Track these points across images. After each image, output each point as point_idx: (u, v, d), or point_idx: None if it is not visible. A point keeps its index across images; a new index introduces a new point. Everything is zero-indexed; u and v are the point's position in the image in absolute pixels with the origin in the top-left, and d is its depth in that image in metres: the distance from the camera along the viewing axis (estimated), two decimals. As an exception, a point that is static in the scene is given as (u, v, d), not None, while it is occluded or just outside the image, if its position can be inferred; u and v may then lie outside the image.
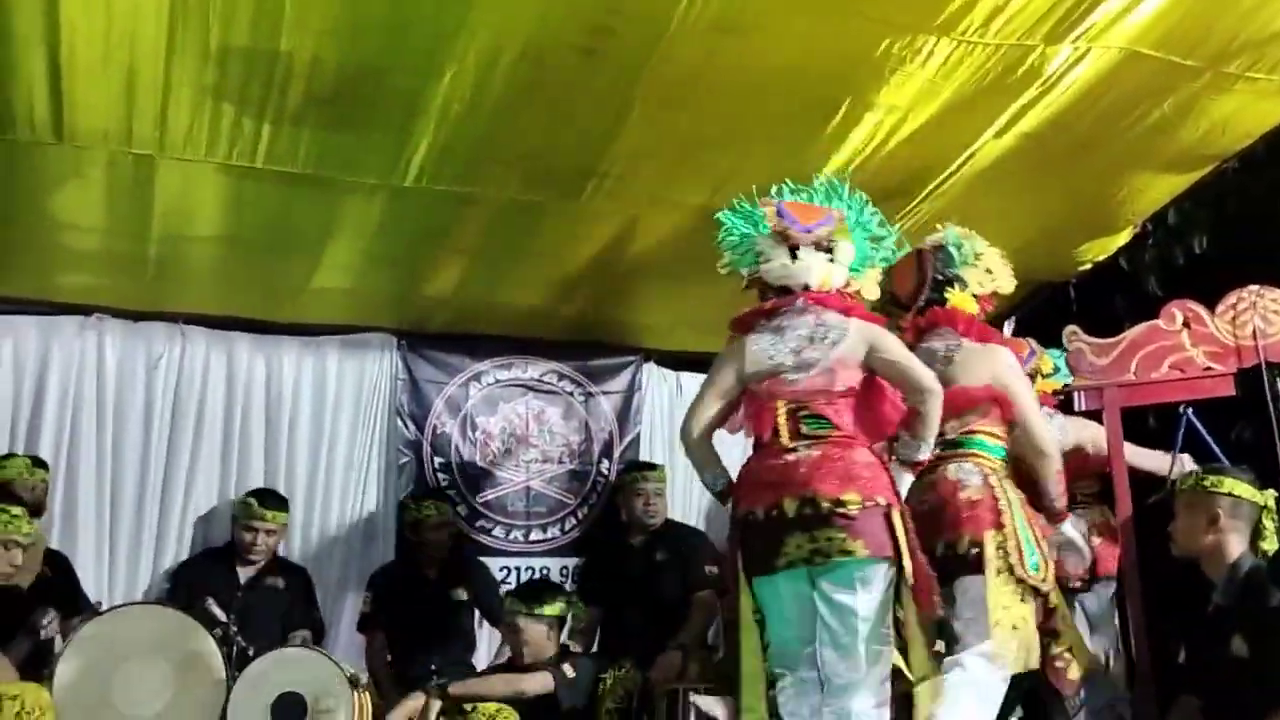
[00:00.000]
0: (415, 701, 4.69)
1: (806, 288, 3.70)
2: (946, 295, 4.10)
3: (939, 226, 4.34)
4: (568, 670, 4.53)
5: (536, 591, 4.88)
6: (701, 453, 3.79)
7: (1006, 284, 4.24)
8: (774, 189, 3.90)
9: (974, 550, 3.74)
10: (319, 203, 4.70)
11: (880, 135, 4.39)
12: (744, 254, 3.86)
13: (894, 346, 3.67)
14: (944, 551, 3.77)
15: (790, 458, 3.54)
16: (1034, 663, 3.77)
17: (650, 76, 3.99)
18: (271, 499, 5.42)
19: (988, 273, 4.19)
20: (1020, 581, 3.74)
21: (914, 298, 4.14)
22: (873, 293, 3.95)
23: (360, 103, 4.06)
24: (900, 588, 3.51)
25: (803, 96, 4.17)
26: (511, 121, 4.19)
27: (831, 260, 3.73)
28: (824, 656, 3.51)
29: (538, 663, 4.65)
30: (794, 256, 3.72)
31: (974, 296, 4.13)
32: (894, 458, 3.68)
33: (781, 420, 3.61)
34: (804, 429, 3.57)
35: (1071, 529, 4.14)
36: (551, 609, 4.73)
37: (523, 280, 5.58)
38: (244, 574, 5.33)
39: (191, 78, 3.89)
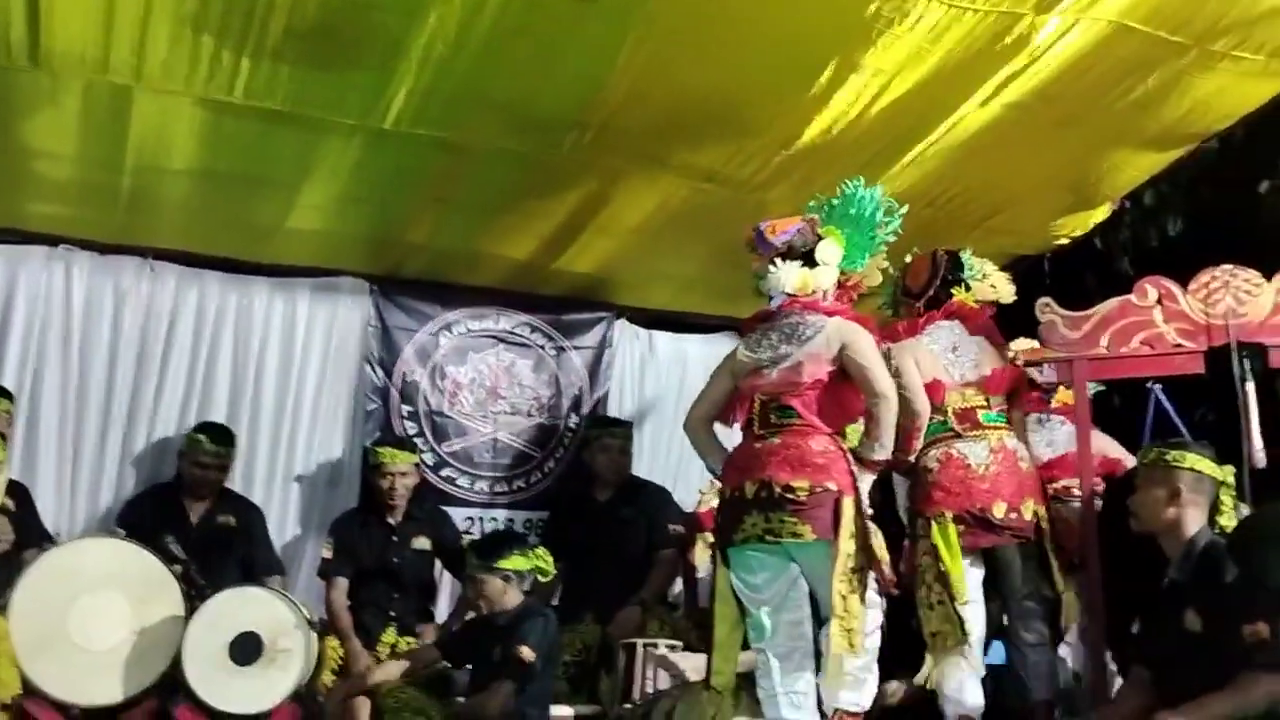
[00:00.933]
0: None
1: (789, 295, 3.95)
2: (953, 293, 4.47)
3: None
4: (526, 655, 4.41)
5: (494, 545, 4.79)
6: (699, 440, 4.13)
7: (1007, 297, 4.64)
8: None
9: (1034, 520, 4.24)
10: (296, 141, 4.65)
11: (865, 98, 4.38)
12: (757, 283, 4.13)
13: (865, 349, 3.88)
14: (1005, 515, 4.19)
15: (758, 445, 3.87)
16: None
17: (639, 26, 3.97)
18: (217, 432, 5.39)
19: (992, 287, 4.61)
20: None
21: (924, 290, 4.53)
22: (874, 279, 4.19)
23: (342, 40, 4.02)
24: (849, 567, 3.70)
25: (790, 54, 4.16)
26: (496, 66, 4.16)
27: (811, 264, 3.95)
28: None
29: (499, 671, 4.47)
30: (769, 270, 3.99)
31: (975, 301, 4.53)
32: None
33: (756, 411, 3.93)
34: (773, 418, 3.87)
35: None
36: (508, 562, 4.61)
37: (499, 230, 5.55)
38: (194, 512, 5.28)
39: (172, 7, 3.84)
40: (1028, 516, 4.22)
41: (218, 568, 4.96)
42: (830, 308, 3.95)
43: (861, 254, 4.04)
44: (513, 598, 4.64)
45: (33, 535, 4.88)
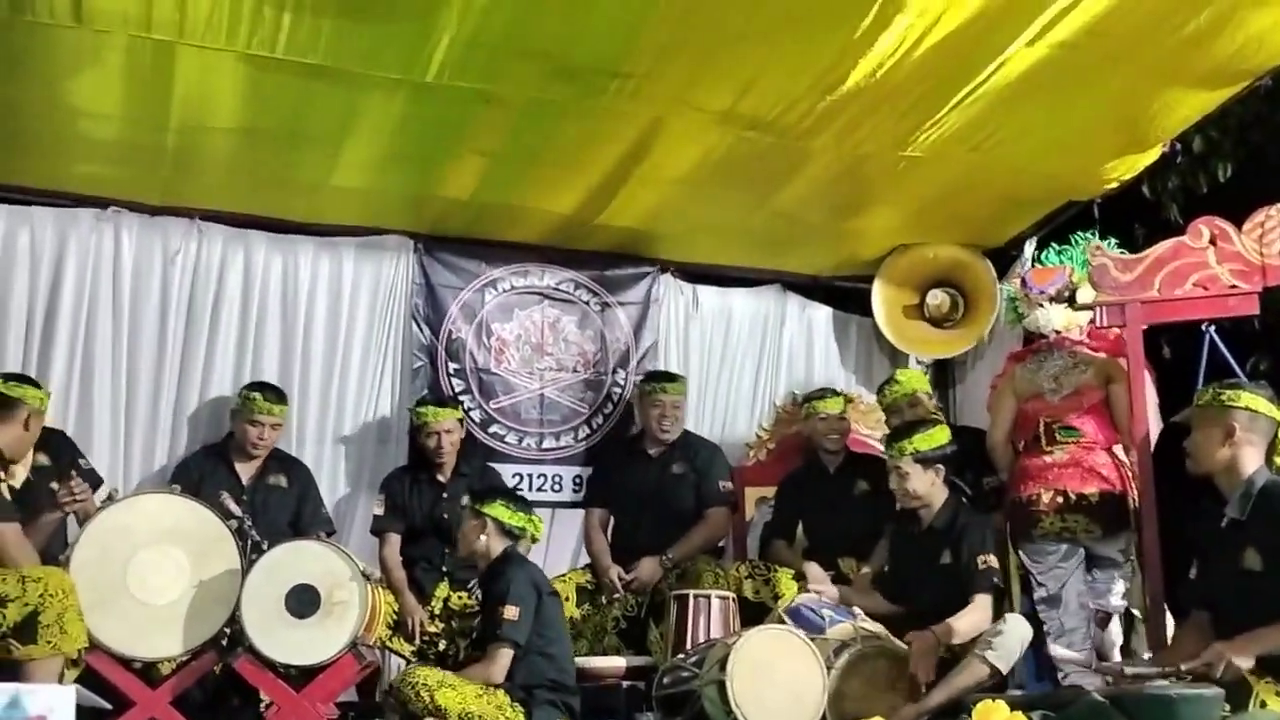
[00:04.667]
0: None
1: (1057, 331, 4.95)
2: None
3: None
4: (509, 614, 4.41)
5: (488, 490, 5.02)
6: (1003, 458, 5.14)
7: None
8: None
9: None
10: (338, 97, 4.63)
11: (910, 39, 4.29)
12: (1010, 312, 5.27)
13: (1122, 394, 4.79)
14: None
15: (1048, 459, 4.83)
16: None
17: (679, -35, 3.93)
18: (272, 392, 5.40)
19: None
20: None
21: None
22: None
23: (382, -10, 4.01)
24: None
25: (834, -5, 4.10)
26: (536, 13, 4.12)
27: (1073, 306, 4.93)
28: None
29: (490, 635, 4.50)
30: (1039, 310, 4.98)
31: None
32: None
33: (1041, 430, 4.87)
34: (1058, 436, 4.84)
35: None
36: (489, 508, 4.68)
37: (541, 184, 5.53)
38: (244, 472, 5.30)
39: (213, -40, 3.85)
40: None
41: (270, 528, 4.99)
42: (1095, 345, 4.96)
43: None
44: (493, 545, 4.66)
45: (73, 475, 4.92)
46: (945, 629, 4.32)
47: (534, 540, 4.85)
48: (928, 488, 4.67)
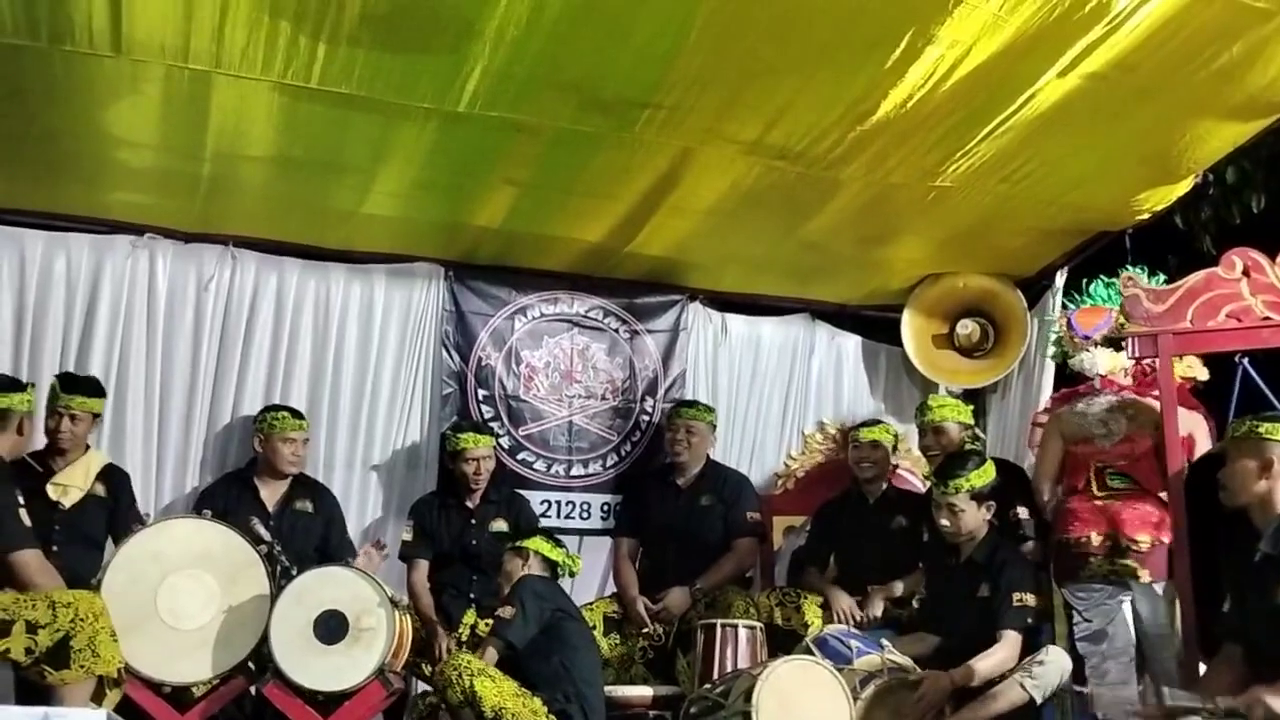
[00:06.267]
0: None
1: (1101, 375, 4.93)
2: None
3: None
4: (503, 612, 4.56)
5: (530, 530, 5.04)
6: (1048, 497, 5.06)
7: None
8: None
9: None
10: (371, 126, 4.67)
11: (940, 71, 4.30)
12: (1055, 347, 5.30)
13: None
14: None
15: (1098, 503, 4.76)
16: None
17: (709, 1, 3.93)
18: (291, 410, 5.46)
19: None
20: None
21: None
22: None
23: (416, 23, 4.04)
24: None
25: (864, 27, 4.10)
26: (568, 45, 4.15)
27: (1120, 348, 4.85)
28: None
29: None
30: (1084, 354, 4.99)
31: None
32: None
33: (1092, 474, 4.81)
34: (1109, 481, 4.77)
35: None
36: (530, 542, 4.82)
37: (571, 213, 5.56)
38: (270, 498, 5.32)
39: (250, -8, 3.89)
40: None
41: (298, 554, 4.98)
42: (1143, 391, 4.91)
43: None
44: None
45: (126, 521, 4.94)
46: (965, 672, 4.31)
47: (571, 575, 4.97)
48: (979, 523, 4.68)
